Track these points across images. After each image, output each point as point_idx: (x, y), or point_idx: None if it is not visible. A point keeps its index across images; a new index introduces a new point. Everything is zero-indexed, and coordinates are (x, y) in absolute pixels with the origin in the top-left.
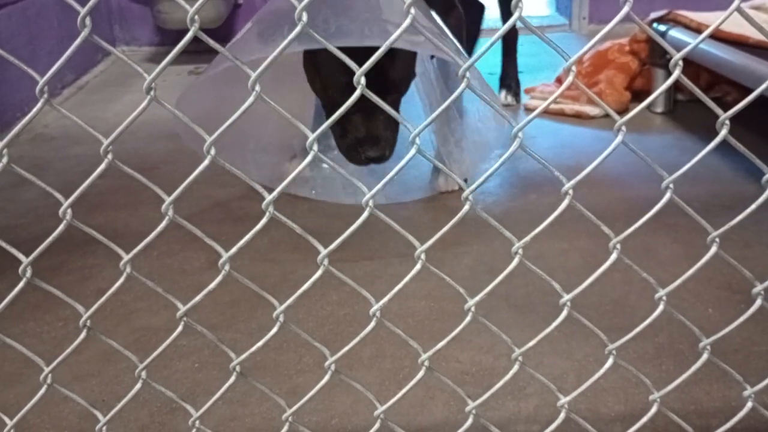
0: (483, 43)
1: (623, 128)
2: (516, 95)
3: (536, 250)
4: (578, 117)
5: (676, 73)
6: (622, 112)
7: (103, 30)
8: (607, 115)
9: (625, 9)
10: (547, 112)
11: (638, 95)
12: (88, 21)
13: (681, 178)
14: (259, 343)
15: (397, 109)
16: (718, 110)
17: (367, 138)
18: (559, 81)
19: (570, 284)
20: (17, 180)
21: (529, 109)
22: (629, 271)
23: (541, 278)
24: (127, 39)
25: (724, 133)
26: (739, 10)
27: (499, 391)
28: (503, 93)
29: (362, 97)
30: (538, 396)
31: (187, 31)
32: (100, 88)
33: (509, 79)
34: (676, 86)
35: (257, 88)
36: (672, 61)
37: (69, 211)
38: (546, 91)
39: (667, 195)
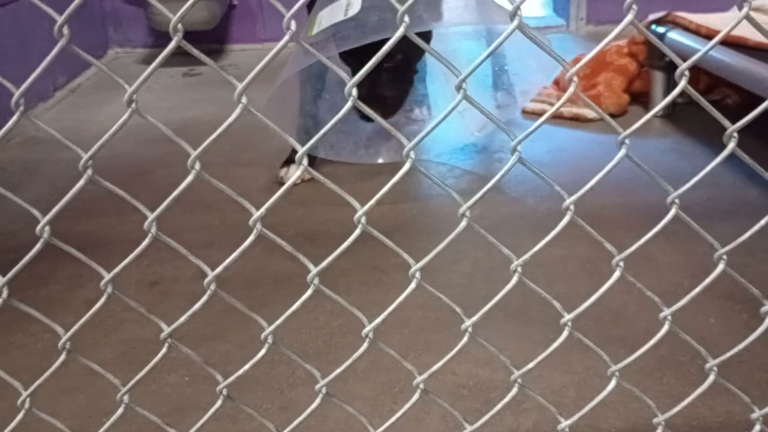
0: None
1: (627, 141)
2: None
3: (535, 257)
4: (576, 120)
5: (682, 83)
6: (620, 115)
7: (97, 32)
8: None
9: (629, 17)
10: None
11: (636, 98)
12: (65, 30)
13: (681, 183)
14: (246, 367)
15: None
16: (725, 122)
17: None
18: (557, 83)
19: (569, 293)
20: (6, 186)
21: (527, 112)
22: (629, 280)
23: (539, 287)
24: (121, 41)
25: (732, 146)
26: (748, 18)
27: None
28: (499, 95)
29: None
30: (537, 411)
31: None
32: (92, 91)
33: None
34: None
35: (243, 100)
36: (677, 72)
37: (47, 228)
38: (544, 94)
39: (673, 211)
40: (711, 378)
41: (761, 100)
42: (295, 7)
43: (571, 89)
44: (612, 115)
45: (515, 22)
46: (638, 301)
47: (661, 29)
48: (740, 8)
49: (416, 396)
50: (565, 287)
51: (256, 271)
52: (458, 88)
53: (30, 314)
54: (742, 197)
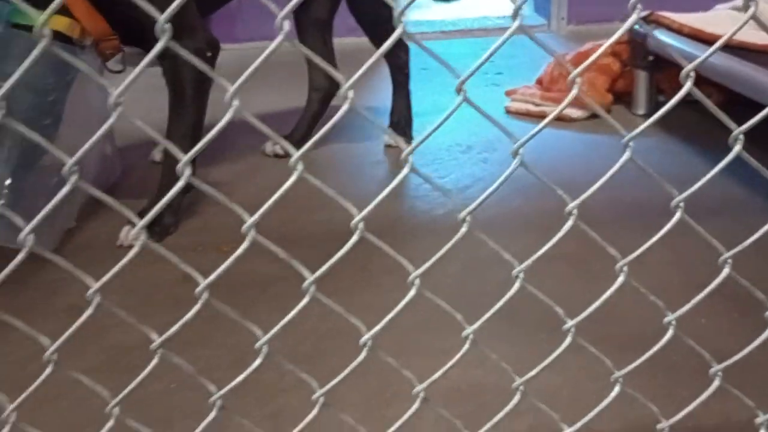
0: None
1: (631, 143)
2: (406, 135)
3: (522, 256)
4: (560, 119)
5: (689, 84)
6: None
7: None
8: (588, 117)
9: (633, 17)
10: (528, 115)
11: (620, 97)
12: (46, 30)
13: (666, 181)
14: (240, 377)
15: None
16: (731, 124)
17: None
18: (540, 82)
19: (561, 294)
20: None
21: (510, 112)
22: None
23: (529, 287)
24: None
25: (738, 149)
26: (755, 18)
27: (491, 409)
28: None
29: None
30: (532, 414)
31: None
32: None
33: (399, 117)
34: (658, 88)
35: (235, 102)
36: (683, 72)
37: (30, 237)
38: (527, 93)
39: (678, 214)
40: (716, 383)
41: (744, 99)
42: (288, 8)
43: (574, 91)
44: (595, 115)
45: (517, 22)
46: (630, 300)
47: (644, 29)
48: (745, 9)
49: (416, 405)
50: (555, 287)
51: (239, 275)
52: (458, 90)
53: (6, 322)
54: (728, 196)
